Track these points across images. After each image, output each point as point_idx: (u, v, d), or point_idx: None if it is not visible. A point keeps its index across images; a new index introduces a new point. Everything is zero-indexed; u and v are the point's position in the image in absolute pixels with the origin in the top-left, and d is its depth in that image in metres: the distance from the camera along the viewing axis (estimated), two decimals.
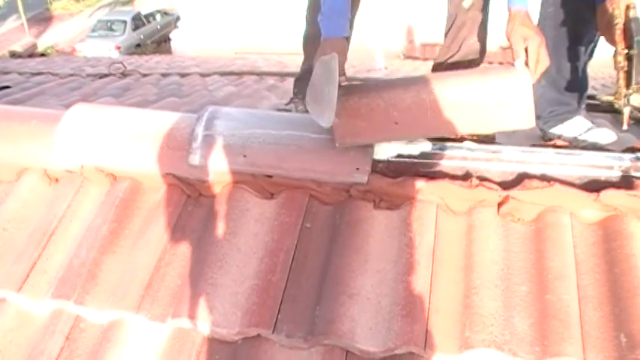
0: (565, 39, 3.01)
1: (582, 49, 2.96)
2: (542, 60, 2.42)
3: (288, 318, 2.03)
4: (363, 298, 2.05)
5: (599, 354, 1.90)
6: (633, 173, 2.28)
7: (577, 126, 3.04)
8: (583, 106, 3.12)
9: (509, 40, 2.55)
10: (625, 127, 2.54)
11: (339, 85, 2.23)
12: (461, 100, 2.23)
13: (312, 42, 3.26)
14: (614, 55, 2.50)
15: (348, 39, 2.62)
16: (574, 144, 2.96)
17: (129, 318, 2.12)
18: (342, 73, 2.45)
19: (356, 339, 1.95)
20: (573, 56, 3.00)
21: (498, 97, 2.22)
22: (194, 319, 2.03)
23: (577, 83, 3.07)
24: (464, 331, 1.95)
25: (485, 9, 3.05)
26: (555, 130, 3.12)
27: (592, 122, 3.10)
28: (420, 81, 2.30)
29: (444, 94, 2.24)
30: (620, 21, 2.45)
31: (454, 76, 2.27)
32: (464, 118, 2.24)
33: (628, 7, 2.43)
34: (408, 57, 12.12)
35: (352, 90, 2.32)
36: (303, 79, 3.46)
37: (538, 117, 3.06)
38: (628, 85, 2.46)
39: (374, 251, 2.18)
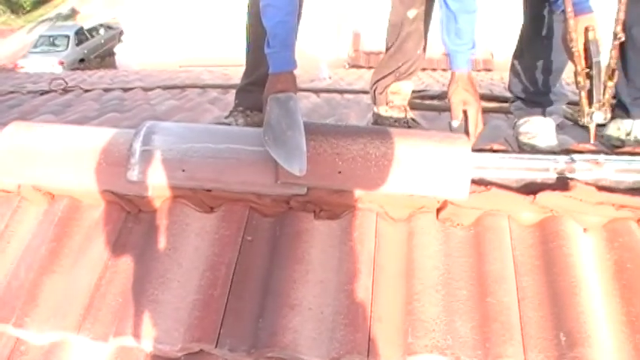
0: (535, 37, 3.07)
1: (553, 48, 3.01)
2: (479, 124, 2.61)
3: (230, 332, 2.02)
4: (305, 309, 2.04)
5: (540, 354, 1.93)
6: (568, 175, 2.33)
7: (535, 126, 3.08)
8: (554, 108, 3.17)
9: (449, 101, 2.63)
10: (592, 141, 2.61)
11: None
12: (405, 161, 2.25)
13: (253, 52, 3.27)
14: (575, 76, 2.58)
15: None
16: (513, 147, 3.01)
17: (70, 338, 2.09)
18: None
19: (299, 350, 1.94)
20: (545, 56, 3.05)
21: (440, 165, 2.24)
22: (136, 337, 2.01)
23: (547, 84, 3.12)
24: (406, 338, 1.96)
25: (427, 20, 3.09)
26: (520, 122, 3.16)
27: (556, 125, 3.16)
28: (369, 133, 2.31)
29: (389, 152, 2.25)
30: (575, 44, 2.51)
31: (402, 136, 2.28)
32: (404, 178, 2.25)
33: (587, 29, 2.49)
34: (353, 65, 12.17)
35: None
36: (245, 90, 3.45)
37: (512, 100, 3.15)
38: (590, 103, 2.54)
39: (315, 261, 2.18)
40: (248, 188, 2.31)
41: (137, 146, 2.32)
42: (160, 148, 2.32)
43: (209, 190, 2.33)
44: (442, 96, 4.97)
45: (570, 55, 2.57)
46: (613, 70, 2.52)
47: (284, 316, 2.01)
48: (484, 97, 4.84)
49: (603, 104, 2.53)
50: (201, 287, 2.12)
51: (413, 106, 4.21)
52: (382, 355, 1.95)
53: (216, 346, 1.99)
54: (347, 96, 5.72)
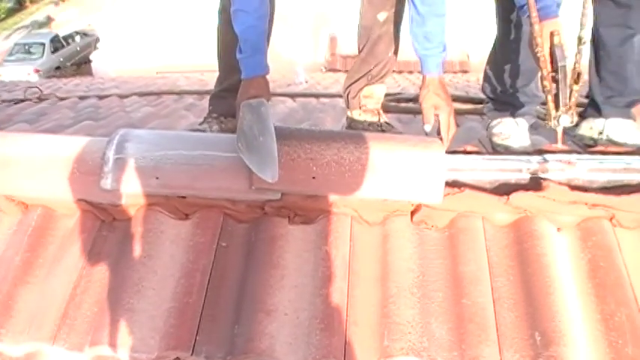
0: (508, 40, 3.09)
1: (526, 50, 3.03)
2: (451, 128, 2.62)
3: (206, 339, 2.02)
4: (281, 314, 2.04)
5: (516, 353, 1.95)
6: (541, 175, 2.34)
7: (508, 127, 3.10)
8: (527, 109, 3.19)
9: (421, 105, 2.64)
10: (560, 145, 2.62)
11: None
12: (379, 165, 2.25)
13: (226, 59, 3.26)
14: (541, 80, 2.60)
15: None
16: (487, 148, 3.03)
17: (46, 349, 2.07)
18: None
19: (276, 355, 1.94)
20: (517, 58, 3.07)
21: (414, 169, 2.25)
22: (112, 346, 2.00)
23: (520, 86, 3.15)
24: (382, 341, 1.96)
25: (398, 22, 3.10)
26: (493, 123, 3.18)
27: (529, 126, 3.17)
28: (343, 138, 2.31)
29: (363, 157, 2.25)
30: (540, 49, 2.53)
31: (376, 141, 2.29)
32: (378, 183, 2.26)
33: (552, 34, 2.51)
34: (330, 69, 12.17)
35: (275, 134, 2.30)
36: (218, 97, 3.44)
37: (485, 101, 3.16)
38: (557, 107, 2.57)
39: (290, 266, 2.18)
40: (222, 194, 2.30)
41: (110, 154, 2.31)
42: (134, 156, 2.31)
43: (183, 197, 2.32)
44: (417, 99, 4.95)
45: (536, 60, 2.59)
46: (578, 74, 2.54)
47: (260, 322, 2.01)
48: (459, 99, 4.88)
49: (570, 108, 2.55)
50: (177, 295, 2.11)
51: (388, 109, 4.23)
52: (358, 358, 1.95)
53: (192, 354, 1.98)
54: (323, 100, 5.73)
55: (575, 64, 2.56)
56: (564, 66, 2.50)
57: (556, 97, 2.56)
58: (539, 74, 2.59)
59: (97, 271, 2.22)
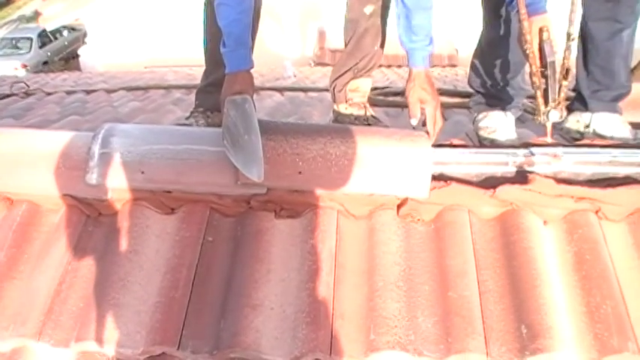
0: (495, 33, 3.09)
1: (512, 44, 3.03)
2: (437, 121, 2.57)
3: (193, 334, 2.01)
4: (267, 308, 2.04)
5: (502, 346, 1.95)
6: (527, 168, 2.35)
7: (494, 121, 3.10)
8: (514, 103, 3.19)
9: (407, 99, 2.62)
10: (549, 139, 2.63)
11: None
12: (365, 160, 2.26)
13: (212, 53, 3.25)
14: (530, 76, 2.60)
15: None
16: (474, 142, 3.03)
17: (31, 345, 2.06)
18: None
19: (262, 349, 1.94)
20: (504, 51, 3.07)
21: (400, 163, 2.26)
22: (98, 342, 1.99)
23: (506, 79, 3.15)
24: (369, 335, 1.97)
25: (385, 16, 3.09)
26: (479, 117, 3.18)
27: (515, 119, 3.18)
28: (328, 132, 2.32)
29: (349, 151, 2.26)
30: (529, 46, 2.53)
31: (362, 135, 2.29)
32: (365, 178, 2.27)
33: (541, 30, 2.51)
34: (318, 63, 12.14)
35: (260, 129, 2.30)
36: (204, 91, 3.43)
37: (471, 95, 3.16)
38: (546, 102, 2.57)
39: (277, 260, 2.18)
40: (208, 189, 2.30)
41: (96, 149, 2.30)
42: (119, 151, 2.30)
43: (169, 192, 2.31)
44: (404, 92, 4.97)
45: (525, 56, 2.59)
46: (567, 70, 2.54)
47: (246, 316, 2.01)
48: (447, 93, 4.87)
49: (559, 103, 2.56)
50: (163, 289, 2.11)
51: (376, 103, 4.23)
52: (345, 352, 1.95)
53: (178, 349, 1.98)
54: (311, 94, 5.71)
55: (563, 59, 2.56)
56: (553, 62, 2.51)
57: (545, 92, 2.56)
58: (526, 68, 2.59)
59: (82, 267, 2.22)
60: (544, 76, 2.55)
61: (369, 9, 3.02)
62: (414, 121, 2.61)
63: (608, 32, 2.89)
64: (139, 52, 14.39)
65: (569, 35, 2.56)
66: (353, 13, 3.09)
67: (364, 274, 2.14)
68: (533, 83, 2.58)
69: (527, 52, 2.55)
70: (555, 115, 2.56)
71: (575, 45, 2.67)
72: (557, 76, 2.52)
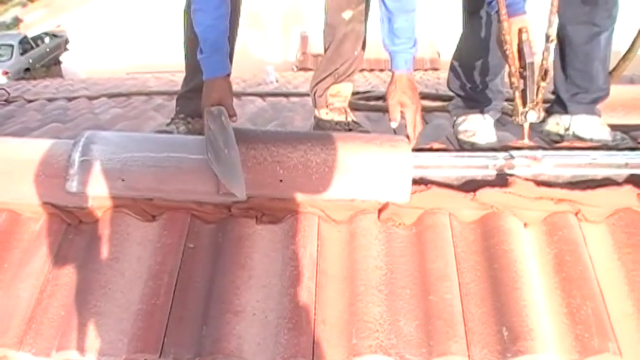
0: (474, 37, 3.10)
1: (492, 48, 3.04)
2: (417, 126, 2.58)
3: (174, 341, 2.01)
4: (249, 315, 2.04)
5: (484, 349, 1.96)
6: (507, 171, 2.37)
7: (474, 124, 3.11)
8: (492, 105, 3.21)
9: (387, 102, 2.63)
10: (526, 140, 2.65)
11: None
12: (346, 167, 2.27)
13: (191, 59, 3.25)
14: (509, 76, 2.61)
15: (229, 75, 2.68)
16: (455, 145, 3.04)
17: (12, 355, 2.04)
18: (231, 114, 2.52)
19: (244, 356, 1.95)
20: (483, 54, 3.08)
21: (380, 169, 2.27)
22: (80, 350, 1.99)
23: (486, 82, 3.16)
24: (351, 339, 1.97)
25: (364, 21, 3.09)
26: (459, 120, 3.19)
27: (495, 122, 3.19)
28: (309, 140, 2.32)
29: (329, 158, 2.26)
30: (508, 47, 2.54)
31: (342, 141, 2.30)
32: (346, 184, 2.28)
33: (520, 31, 2.52)
34: (301, 68, 12.15)
35: (241, 137, 2.31)
36: (185, 97, 3.42)
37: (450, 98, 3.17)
38: (524, 103, 2.58)
39: (258, 266, 2.18)
40: (189, 196, 2.30)
41: (76, 157, 2.29)
42: (99, 158, 2.30)
43: (150, 199, 2.31)
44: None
45: (505, 57, 2.61)
46: (546, 71, 2.56)
47: (228, 323, 2.01)
48: (429, 97, 4.88)
49: (537, 104, 2.57)
50: (144, 297, 2.10)
51: (358, 107, 4.23)
52: (327, 357, 1.95)
53: (160, 356, 1.97)
54: (293, 99, 5.71)
55: (542, 60, 2.58)
56: (532, 63, 2.52)
57: (523, 93, 2.57)
58: (505, 70, 2.60)
59: (63, 275, 2.21)
60: (523, 76, 2.56)
61: (347, 14, 3.02)
62: (393, 124, 2.62)
63: (586, 36, 2.91)
64: (121, 59, 14.35)
65: (547, 37, 2.57)
66: (332, 18, 3.09)
67: (345, 279, 2.14)
68: (511, 84, 2.59)
69: (507, 52, 2.55)
70: (533, 115, 2.57)
71: (553, 47, 2.69)
72: (536, 77, 2.54)
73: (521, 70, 2.56)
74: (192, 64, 3.22)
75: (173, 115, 3.46)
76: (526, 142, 2.62)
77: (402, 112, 2.62)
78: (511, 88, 2.61)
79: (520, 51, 2.55)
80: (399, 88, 2.63)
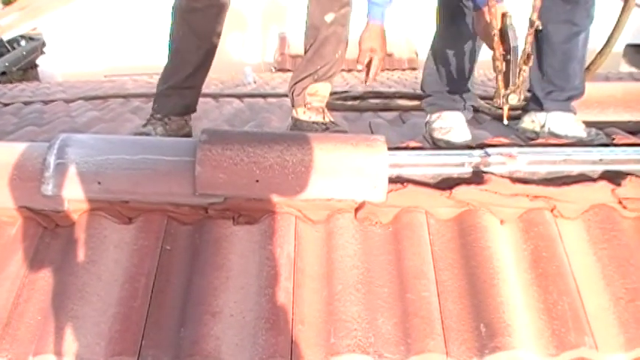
0: (449, 35, 3.12)
1: (466, 46, 3.07)
2: (378, 71, 2.94)
3: (152, 343, 2.00)
4: (226, 316, 2.04)
5: (461, 346, 1.97)
6: (483, 168, 2.37)
7: (448, 121, 3.13)
8: (466, 104, 3.23)
9: (359, 46, 2.76)
10: (505, 122, 2.75)
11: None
12: (322, 166, 2.27)
13: (176, 55, 3.29)
14: (493, 60, 2.63)
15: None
16: (430, 143, 3.05)
17: None
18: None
19: (222, 357, 1.94)
20: (458, 53, 3.11)
21: (357, 168, 2.27)
22: (57, 355, 1.97)
23: (459, 80, 3.18)
24: (329, 339, 1.97)
25: (346, 24, 3.11)
26: (432, 118, 3.21)
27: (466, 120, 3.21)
28: (285, 140, 2.31)
29: (306, 158, 2.26)
30: (496, 31, 2.56)
31: (319, 141, 2.30)
32: (322, 184, 2.28)
33: (504, 15, 2.55)
34: (279, 69, 12.13)
35: (217, 138, 2.30)
36: (164, 95, 3.42)
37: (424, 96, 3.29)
38: (506, 86, 2.61)
39: (236, 267, 2.17)
40: (165, 198, 2.29)
41: (51, 160, 2.28)
42: (75, 161, 2.28)
43: (126, 202, 2.30)
44: (364, 96, 5.01)
45: (489, 41, 2.63)
46: (528, 55, 2.58)
47: (205, 324, 2.00)
48: (407, 96, 4.90)
49: (518, 87, 2.60)
50: (122, 299, 2.09)
51: (335, 108, 4.24)
52: (305, 357, 1.95)
53: (138, 359, 1.96)
54: (270, 100, 5.70)
55: (525, 45, 2.61)
56: (516, 47, 2.56)
57: (505, 76, 2.60)
58: (492, 55, 2.62)
59: (40, 279, 2.19)
60: (506, 60, 2.59)
61: (329, 17, 3.04)
62: (359, 67, 2.96)
63: (566, 35, 2.94)
64: (98, 61, 14.27)
65: (532, 22, 2.59)
66: (314, 19, 3.11)
67: (323, 279, 2.14)
68: (495, 67, 2.62)
69: (493, 35, 2.58)
70: (514, 98, 2.61)
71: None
72: (519, 60, 2.57)
73: (505, 53, 2.58)
74: (176, 60, 3.25)
75: (150, 115, 3.45)
76: (505, 123, 2.73)
77: (370, 58, 2.88)
78: (494, 71, 2.63)
79: (504, 35, 2.58)
80: (372, 36, 2.92)
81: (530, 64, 2.63)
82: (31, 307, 2.12)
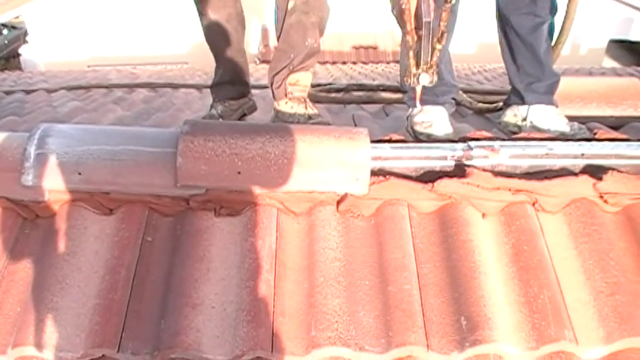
0: None
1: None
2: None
3: (132, 335, 1.99)
4: (207, 307, 2.03)
5: (442, 339, 1.98)
6: (466, 162, 2.38)
7: (429, 115, 3.11)
8: (447, 97, 3.21)
9: None
10: (418, 105, 2.74)
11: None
12: (304, 158, 2.26)
13: (214, 53, 3.35)
14: (403, 35, 2.59)
15: None
16: (412, 137, 3.05)
17: None
18: None
19: (202, 349, 1.93)
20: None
21: (339, 160, 2.27)
22: (37, 347, 1.96)
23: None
24: (310, 331, 1.97)
25: (311, 13, 3.09)
26: (414, 112, 3.19)
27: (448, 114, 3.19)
28: (268, 132, 2.31)
29: (288, 150, 2.25)
30: (406, 3, 2.48)
31: (301, 133, 2.30)
32: (304, 176, 2.27)
33: None
34: (263, 61, 12.10)
35: (199, 129, 2.30)
36: (216, 86, 3.66)
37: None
38: (417, 65, 2.55)
39: (217, 259, 2.17)
40: (146, 190, 2.27)
41: (31, 150, 2.26)
42: (55, 152, 2.26)
43: (107, 193, 2.28)
44: (348, 89, 5.00)
45: (400, 13, 2.55)
46: (442, 33, 2.51)
47: (186, 316, 2.00)
48: (390, 89, 4.90)
49: (431, 66, 2.54)
50: (102, 291, 2.08)
51: (318, 100, 4.24)
52: (286, 349, 1.95)
53: (118, 351, 1.96)
54: (254, 91, 5.68)
55: (440, 22, 2.51)
56: (429, 22, 2.46)
57: (417, 54, 2.54)
58: (404, 30, 2.56)
59: (19, 270, 2.17)
60: (418, 36, 2.52)
61: (290, 4, 3.05)
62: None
63: (530, 26, 2.96)
64: (81, 51, 14.18)
65: None
66: (279, 8, 3.14)
67: (304, 271, 2.14)
68: (406, 43, 2.57)
69: (404, 7, 2.50)
70: (426, 78, 2.55)
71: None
72: (432, 39, 2.50)
73: (417, 29, 2.52)
74: (215, 57, 3.53)
75: (211, 102, 3.69)
76: (418, 107, 2.75)
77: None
78: (405, 47, 2.59)
79: (417, 9, 2.50)
80: None
81: (444, 42, 2.55)
82: (10, 299, 2.10)
